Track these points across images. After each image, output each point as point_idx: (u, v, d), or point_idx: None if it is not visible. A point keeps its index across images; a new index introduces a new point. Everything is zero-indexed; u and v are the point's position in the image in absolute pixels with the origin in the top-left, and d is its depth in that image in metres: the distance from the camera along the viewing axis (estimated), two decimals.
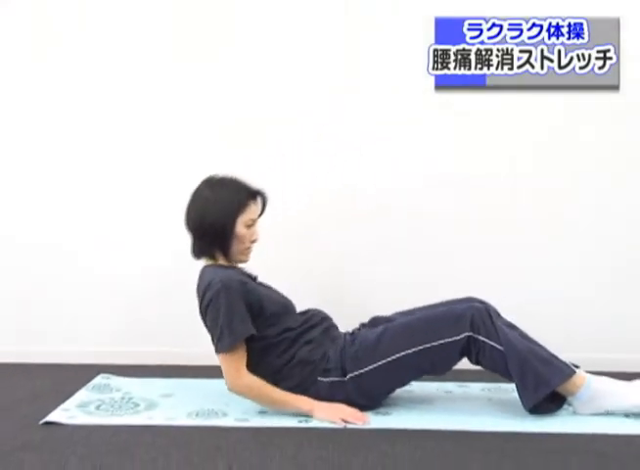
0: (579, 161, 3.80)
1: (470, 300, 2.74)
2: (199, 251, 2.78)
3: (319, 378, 2.60)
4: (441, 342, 2.50)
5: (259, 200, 2.80)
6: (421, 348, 2.51)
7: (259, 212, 2.80)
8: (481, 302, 2.72)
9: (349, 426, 2.46)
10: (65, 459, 2.19)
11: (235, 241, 2.71)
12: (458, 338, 2.49)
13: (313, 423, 2.51)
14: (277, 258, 3.63)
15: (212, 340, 2.67)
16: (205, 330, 2.77)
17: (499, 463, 2.12)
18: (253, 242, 2.79)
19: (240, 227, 2.70)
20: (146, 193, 3.96)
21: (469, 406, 2.67)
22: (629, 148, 3.79)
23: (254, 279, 2.83)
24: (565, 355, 2.64)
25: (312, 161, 3.92)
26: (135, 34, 3.94)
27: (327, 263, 3.84)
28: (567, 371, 2.50)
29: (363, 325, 2.88)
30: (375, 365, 2.54)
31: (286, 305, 2.78)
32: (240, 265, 2.84)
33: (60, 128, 3.98)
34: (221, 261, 2.78)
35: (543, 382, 2.45)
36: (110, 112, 3.97)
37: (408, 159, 3.87)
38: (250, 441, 2.34)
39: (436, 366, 2.61)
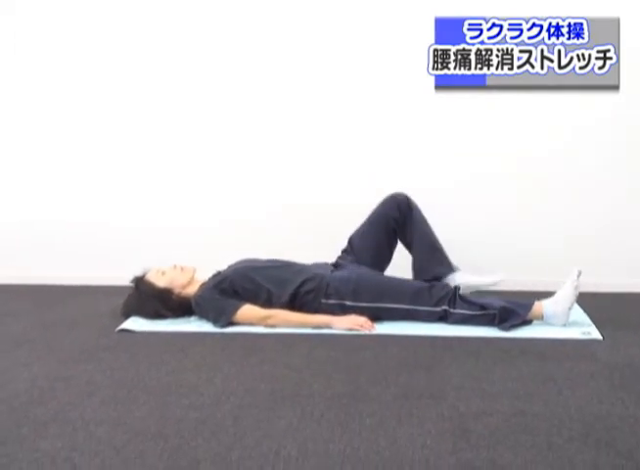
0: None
1: (396, 195, 3.34)
2: None
3: (322, 300, 3.15)
4: (423, 308, 3.09)
5: None
6: (406, 307, 3.10)
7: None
8: (404, 196, 3.31)
9: (356, 332, 2.99)
10: (134, 357, 2.77)
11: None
12: (437, 309, 3.09)
13: (324, 330, 3.07)
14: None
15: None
16: None
17: (464, 359, 2.68)
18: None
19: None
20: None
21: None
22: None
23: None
24: None
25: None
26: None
27: None
28: (528, 303, 3.05)
29: (345, 251, 3.41)
30: (367, 305, 3.12)
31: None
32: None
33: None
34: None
35: (515, 317, 3.01)
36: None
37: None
38: (275, 343, 2.92)
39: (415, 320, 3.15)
